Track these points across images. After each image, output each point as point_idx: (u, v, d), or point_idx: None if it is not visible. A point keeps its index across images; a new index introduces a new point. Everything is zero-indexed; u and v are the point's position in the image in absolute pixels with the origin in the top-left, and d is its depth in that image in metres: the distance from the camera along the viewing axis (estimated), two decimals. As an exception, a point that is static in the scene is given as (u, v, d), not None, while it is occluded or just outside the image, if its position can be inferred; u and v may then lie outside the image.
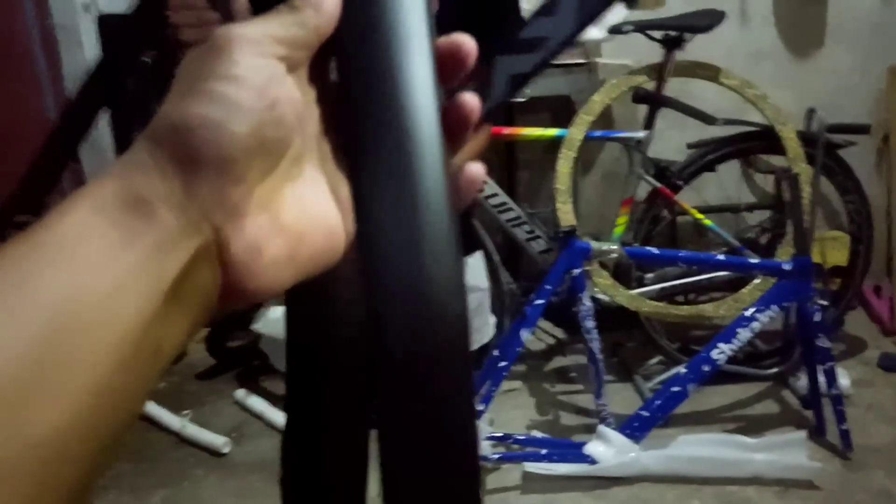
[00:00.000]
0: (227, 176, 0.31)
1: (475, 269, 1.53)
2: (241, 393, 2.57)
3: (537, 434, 2.28)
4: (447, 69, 0.36)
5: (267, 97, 0.32)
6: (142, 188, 0.30)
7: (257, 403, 2.51)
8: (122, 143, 3.02)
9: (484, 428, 2.09)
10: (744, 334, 2.11)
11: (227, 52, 0.32)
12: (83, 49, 2.85)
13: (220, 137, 0.31)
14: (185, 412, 2.45)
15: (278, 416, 2.37)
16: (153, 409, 2.51)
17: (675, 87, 2.55)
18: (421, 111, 0.33)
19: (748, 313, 2.12)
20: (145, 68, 2.94)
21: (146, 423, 2.50)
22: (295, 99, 0.34)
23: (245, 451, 2.35)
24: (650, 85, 2.53)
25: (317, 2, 0.34)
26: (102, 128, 2.98)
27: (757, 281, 2.48)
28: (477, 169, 0.37)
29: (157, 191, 0.30)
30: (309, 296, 0.86)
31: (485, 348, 2.20)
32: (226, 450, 2.34)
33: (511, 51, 0.71)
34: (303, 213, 0.35)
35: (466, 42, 0.36)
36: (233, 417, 2.52)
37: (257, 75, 0.32)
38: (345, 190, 0.36)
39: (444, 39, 0.36)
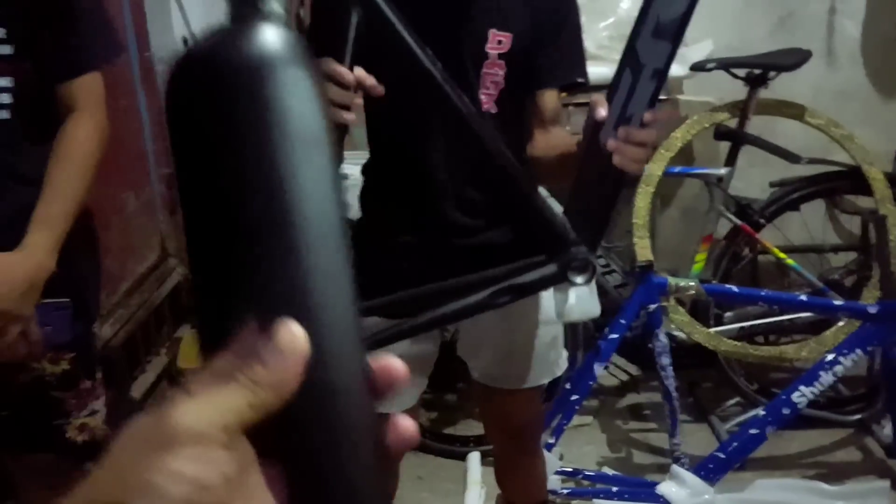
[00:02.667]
0: None
1: (548, 303, 1.53)
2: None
3: (608, 471, 2.25)
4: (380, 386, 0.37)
5: (204, 483, 0.31)
6: None
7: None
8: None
9: (553, 462, 2.08)
10: (826, 378, 2.04)
11: (173, 448, 0.31)
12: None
13: None
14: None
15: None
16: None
17: (759, 125, 2.52)
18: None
19: (831, 357, 2.06)
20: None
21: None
22: (231, 468, 0.32)
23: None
24: (732, 122, 2.50)
25: (280, 382, 0.32)
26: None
27: (841, 324, 2.41)
28: (407, 424, 0.37)
29: None
30: None
31: (556, 382, 2.19)
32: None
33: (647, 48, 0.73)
34: None
35: (395, 365, 0.37)
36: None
37: (200, 471, 0.31)
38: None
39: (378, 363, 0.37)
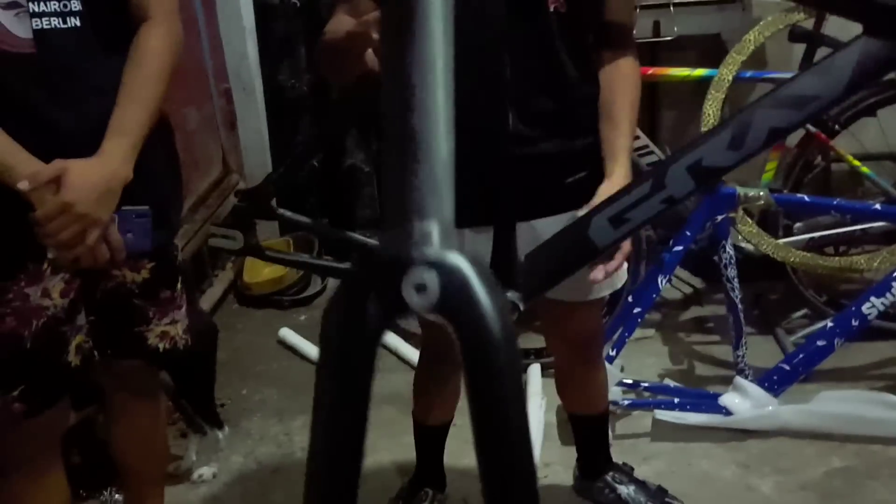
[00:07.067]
0: None
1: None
2: (377, 328, 2.65)
3: (670, 383, 2.25)
4: None
5: None
6: None
7: (391, 339, 2.59)
8: (271, 85, 3.14)
9: (615, 374, 2.08)
10: (899, 289, 1.99)
11: None
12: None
13: None
14: (326, 343, 2.56)
15: (411, 352, 2.44)
16: (296, 339, 2.64)
17: (836, 25, 2.39)
18: None
19: (905, 267, 2.00)
20: (293, 11, 3.03)
21: (290, 352, 2.64)
22: None
23: (379, 384, 2.39)
24: (808, 23, 2.38)
25: None
26: (253, 69, 3.09)
27: (917, 234, 2.32)
28: None
29: None
30: None
31: (618, 295, 2.17)
32: (362, 381, 2.43)
33: (775, 105, 0.71)
34: None
35: None
36: (369, 351, 2.61)
37: None
38: None
39: None
